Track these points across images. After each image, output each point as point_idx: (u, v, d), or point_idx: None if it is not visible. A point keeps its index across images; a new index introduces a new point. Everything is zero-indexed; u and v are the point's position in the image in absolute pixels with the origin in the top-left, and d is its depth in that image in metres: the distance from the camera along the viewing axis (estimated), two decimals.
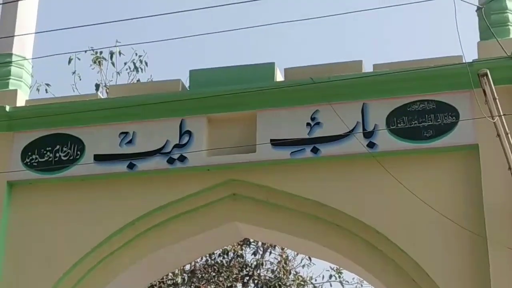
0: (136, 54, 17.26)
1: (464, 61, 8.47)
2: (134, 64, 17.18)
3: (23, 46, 10.58)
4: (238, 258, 17.59)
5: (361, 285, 17.83)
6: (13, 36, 10.37)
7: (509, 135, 7.28)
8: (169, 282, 16.40)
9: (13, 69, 10.37)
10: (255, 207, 9.39)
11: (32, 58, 10.83)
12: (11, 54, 10.40)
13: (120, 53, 16.95)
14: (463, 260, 8.37)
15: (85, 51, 16.16)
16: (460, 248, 8.41)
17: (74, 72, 16.50)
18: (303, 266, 18.11)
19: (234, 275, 17.46)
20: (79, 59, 16.36)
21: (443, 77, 8.82)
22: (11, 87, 10.24)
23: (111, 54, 16.87)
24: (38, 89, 16.15)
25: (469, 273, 8.29)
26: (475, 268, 8.26)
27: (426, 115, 8.80)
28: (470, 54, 8.72)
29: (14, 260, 9.50)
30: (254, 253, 17.77)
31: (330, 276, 17.99)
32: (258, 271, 17.69)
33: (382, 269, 8.83)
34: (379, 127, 8.89)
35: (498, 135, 7.20)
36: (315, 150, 9.03)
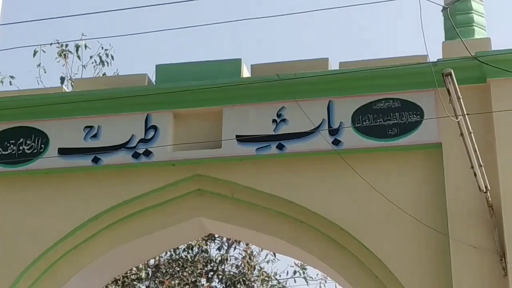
0: (102, 48, 17.20)
1: (428, 61, 8.46)
2: (100, 57, 17.11)
3: None
4: (203, 253, 17.59)
5: (325, 281, 17.84)
6: None
7: (472, 134, 7.33)
8: (133, 276, 16.37)
9: None
10: (220, 202, 9.41)
11: None
12: None
13: (86, 46, 16.88)
14: (425, 257, 8.46)
15: (51, 44, 16.11)
16: (423, 245, 8.50)
17: (39, 65, 16.40)
18: (268, 262, 18.16)
19: (199, 270, 17.47)
20: (44, 52, 16.26)
21: (408, 76, 8.90)
22: None
23: (77, 47, 16.78)
24: (2, 81, 16.04)
25: (432, 270, 8.38)
26: (437, 265, 8.35)
27: (391, 113, 8.88)
28: (435, 54, 8.80)
29: None
30: (219, 248, 17.80)
31: (294, 272, 18.06)
32: (223, 267, 17.71)
33: (345, 265, 8.89)
34: (345, 125, 8.94)
35: (462, 134, 7.25)
36: (280, 147, 9.06)
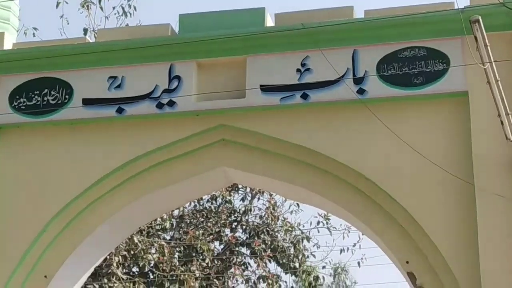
0: None
1: (456, 7, 8.43)
2: (123, 8, 17.10)
3: None
4: (227, 204, 17.71)
5: (349, 231, 17.94)
6: None
7: (499, 82, 7.30)
8: (157, 227, 16.52)
9: (1, 12, 10.27)
10: (244, 152, 9.42)
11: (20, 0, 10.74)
12: None
13: None
14: (451, 206, 8.47)
15: None
16: (448, 195, 8.49)
17: (62, 16, 16.48)
18: (291, 212, 18.27)
19: (222, 221, 17.60)
20: (67, 3, 16.30)
21: (435, 23, 8.83)
22: None
23: None
24: (25, 33, 16.09)
25: (457, 220, 8.40)
26: (463, 215, 8.36)
27: (417, 62, 8.81)
28: (462, 1, 8.71)
29: (3, 204, 9.54)
30: (243, 199, 17.90)
31: (318, 223, 18.18)
32: (246, 217, 17.83)
33: (370, 215, 8.91)
34: (369, 74, 8.90)
35: (488, 82, 7.22)
36: (304, 96, 9.03)
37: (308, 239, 18.43)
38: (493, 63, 7.17)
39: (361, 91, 8.87)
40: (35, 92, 9.73)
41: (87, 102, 9.56)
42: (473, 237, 8.15)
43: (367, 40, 9.02)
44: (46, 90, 9.72)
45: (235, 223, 17.92)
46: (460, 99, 8.63)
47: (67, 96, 9.63)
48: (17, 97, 9.77)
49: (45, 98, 9.69)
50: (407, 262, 8.61)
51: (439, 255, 8.35)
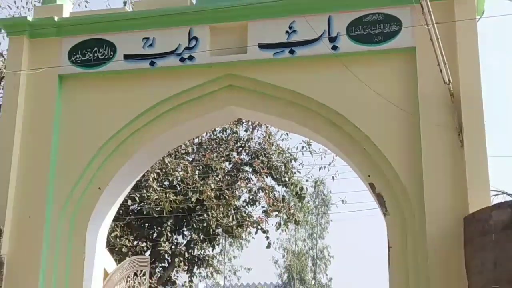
0: None
1: None
2: None
3: None
4: (234, 134, 17.80)
5: (325, 154, 18.08)
6: None
7: (439, 39, 7.28)
8: (182, 151, 16.65)
9: None
10: (246, 94, 9.45)
11: None
12: None
13: None
14: (402, 133, 8.56)
15: None
16: (400, 124, 8.58)
17: None
18: (282, 139, 18.36)
19: (231, 147, 17.72)
20: None
21: None
22: (58, 2, 10.11)
23: None
24: (79, 5, 15.85)
25: (407, 142, 8.50)
26: (411, 139, 8.46)
27: (377, 24, 8.79)
28: None
29: (66, 133, 9.60)
30: (246, 130, 17.99)
31: (302, 147, 18.27)
32: (249, 144, 17.93)
33: (341, 141, 9.02)
34: (341, 34, 8.88)
35: (431, 39, 7.20)
36: (292, 52, 9.03)
37: (295, 159, 18.57)
38: (435, 24, 7.13)
39: (334, 48, 8.85)
40: (88, 50, 9.70)
41: (127, 57, 9.54)
42: (418, 156, 8.26)
43: (339, 8, 8.97)
44: (96, 48, 9.68)
45: (240, 148, 18.03)
46: (410, 53, 8.62)
47: (111, 53, 9.61)
48: (74, 53, 9.73)
49: (95, 54, 9.66)
50: (369, 176, 8.73)
51: (392, 169, 8.46)
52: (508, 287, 6.74)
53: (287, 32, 9.07)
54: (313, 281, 54.72)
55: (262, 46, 9.11)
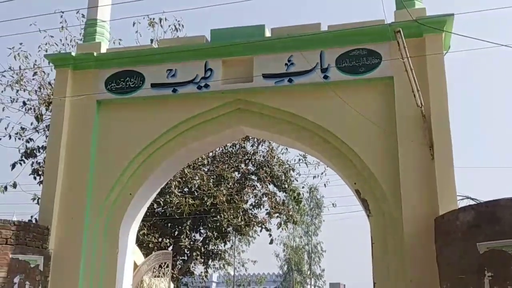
0: (176, 20, 17.04)
1: (386, 23, 8.41)
2: (175, 26, 16.94)
3: (103, 13, 10.43)
4: (242, 148, 17.77)
5: (318, 165, 18.04)
6: (97, 6, 10.25)
7: (412, 70, 7.29)
8: (199, 163, 16.63)
9: (98, 29, 10.30)
10: (253, 116, 9.44)
11: (110, 20, 10.70)
12: (96, 19, 10.30)
13: (165, 19, 16.73)
14: (383, 148, 8.54)
15: (143, 17, 16.15)
16: (381, 141, 8.57)
17: (136, 31, 16.39)
18: (282, 153, 18.30)
19: (239, 159, 17.69)
20: (139, 23, 16.15)
21: (372, 33, 8.79)
22: (97, 40, 10.16)
23: (160, 20, 16.67)
24: (114, 42, 15.89)
25: (386, 155, 8.48)
26: (389, 153, 8.44)
27: (361, 58, 8.82)
28: (390, 18, 8.72)
29: (102, 149, 9.62)
30: (252, 145, 17.95)
31: (299, 160, 18.25)
32: (254, 157, 17.90)
33: (331, 154, 8.99)
34: (331, 66, 8.89)
35: (406, 70, 7.21)
36: (290, 80, 9.04)
37: (293, 170, 18.51)
38: (409, 58, 7.14)
39: (325, 77, 8.88)
40: (121, 79, 9.74)
41: (153, 85, 9.57)
42: (396, 167, 8.27)
43: (329, 45, 8.98)
44: (127, 78, 9.71)
45: (247, 160, 17.98)
46: (388, 81, 8.62)
47: (140, 82, 9.64)
48: (110, 82, 9.77)
49: (127, 83, 9.69)
50: (355, 183, 8.71)
51: (374, 178, 8.46)
52: (472, 277, 6.69)
53: (286, 64, 9.08)
54: (308, 272, 54.43)
55: (265, 76, 9.13)
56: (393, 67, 8.42)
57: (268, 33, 9.45)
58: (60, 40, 16.16)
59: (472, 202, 7.93)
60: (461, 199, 8.29)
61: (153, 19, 16.70)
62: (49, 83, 15.31)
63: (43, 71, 15.61)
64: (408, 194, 8.03)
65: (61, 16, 15.70)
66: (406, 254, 7.80)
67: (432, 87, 8.27)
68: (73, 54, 10.10)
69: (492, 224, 6.64)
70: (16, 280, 8.41)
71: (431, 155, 8.04)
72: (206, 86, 9.34)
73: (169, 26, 17.03)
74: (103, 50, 10.08)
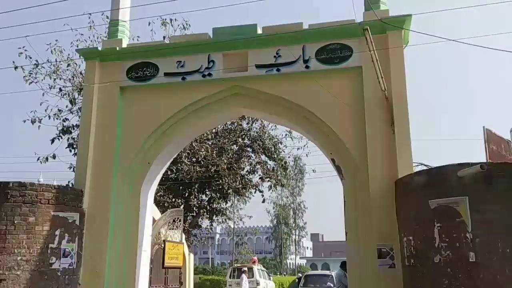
0: (184, 20, 16.80)
1: (356, 22, 8.31)
2: (183, 25, 16.73)
3: (124, 14, 10.25)
4: (239, 126, 17.71)
5: (301, 139, 18.01)
6: (118, 8, 10.06)
7: (377, 61, 7.27)
8: (204, 138, 16.59)
9: (120, 28, 10.12)
10: (248, 99, 9.37)
11: (130, 20, 10.51)
12: (118, 20, 10.13)
13: (175, 19, 16.49)
14: (353, 124, 8.49)
15: (157, 18, 15.92)
16: (352, 118, 8.52)
17: (151, 30, 16.14)
18: (272, 129, 18.24)
19: (237, 134, 17.65)
20: (154, 23, 15.91)
21: (345, 30, 8.69)
22: (119, 37, 10.01)
23: (170, 20, 16.44)
24: (133, 39, 15.66)
25: (356, 131, 8.44)
26: (359, 128, 8.41)
27: (336, 51, 8.75)
28: (360, 18, 8.59)
29: (126, 127, 9.57)
30: (247, 123, 17.88)
31: (286, 134, 18.22)
32: (249, 132, 17.86)
33: (311, 129, 8.96)
34: (311, 57, 8.82)
35: (372, 61, 7.18)
36: (278, 70, 8.98)
37: (281, 143, 18.50)
38: (375, 50, 7.10)
39: (307, 67, 8.82)
40: (139, 69, 9.63)
41: (166, 74, 9.47)
42: (364, 140, 8.27)
43: (310, 40, 8.88)
44: (145, 68, 9.60)
45: (244, 135, 17.96)
46: (358, 70, 8.56)
47: (155, 71, 9.54)
48: (130, 72, 9.66)
49: (144, 73, 9.59)
50: (331, 153, 8.73)
51: (346, 149, 8.46)
52: (424, 227, 6.78)
53: (275, 56, 9.00)
54: (293, 225, 54.92)
55: (258, 66, 9.04)
56: (362, 59, 8.36)
57: (259, 31, 9.33)
58: (89, 37, 15.98)
59: (425, 168, 7.95)
60: (416, 165, 8.27)
61: (165, 19, 16.49)
62: (80, 73, 15.17)
63: (75, 63, 15.51)
64: (374, 162, 8.06)
65: (89, 17, 15.51)
66: (372, 209, 7.87)
67: (393, 75, 8.23)
68: (100, 49, 9.99)
69: (441, 185, 6.71)
70: (57, 232, 8.46)
71: (392, 130, 8.05)
72: (209, 74, 9.26)
73: (178, 25, 16.82)
74: (124, 45, 9.93)
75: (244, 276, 19.50)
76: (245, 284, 19.11)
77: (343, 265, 13.75)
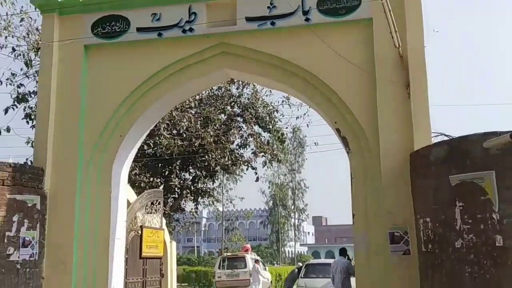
0: None
1: None
2: None
3: None
4: (227, 91, 17.66)
5: (301, 106, 18.04)
6: None
7: (391, 11, 7.20)
8: (186, 106, 16.55)
9: None
10: (237, 59, 9.28)
11: None
12: None
13: None
14: (362, 88, 8.46)
15: None
16: (360, 81, 8.49)
17: None
18: (267, 95, 18.27)
19: (225, 101, 17.63)
20: None
21: None
22: None
23: None
24: None
25: (365, 95, 8.43)
26: (369, 92, 8.38)
27: (341, 0, 8.62)
28: None
29: (92, 94, 9.49)
30: (237, 88, 17.83)
31: (283, 101, 18.23)
32: (240, 99, 17.83)
33: (312, 94, 8.92)
34: (312, 8, 8.70)
35: (385, 12, 7.11)
36: (273, 23, 8.86)
37: (277, 111, 18.53)
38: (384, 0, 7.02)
39: (307, 20, 8.70)
40: (107, 24, 9.48)
41: (139, 29, 9.34)
42: (374, 106, 8.26)
43: None
44: (113, 22, 9.46)
45: (233, 103, 17.94)
46: (367, 23, 8.49)
47: (126, 26, 9.40)
48: (96, 27, 9.52)
49: (113, 28, 9.45)
50: (335, 122, 8.71)
51: (353, 117, 8.46)
52: (444, 207, 6.85)
53: (268, 7, 8.86)
54: (292, 206, 55.47)
55: (248, 19, 8.92)
56: (372, 9, 8.27)
57: None
58: None
59: (445, 138, 7.98)
60: (436, 136, 8.31)
61: None
62: (37, 29, 14.88)
63: (30, 17, 15.16)
64: (386, 131, 8.07)
65: None
66: (383, 187, 7.92)
67: (409, 28, 8.16)
68: None
69: (463, 158, 6.74)
70: (15, 218, 8.46)
71: (408, 94, 8.04)
72: (191, 29, 9.13)
73: None
74: None
75: (257, 266, 19.72)
76: (260, 277, 19.30)
77: (343, 252, 14.00)
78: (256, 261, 20.41)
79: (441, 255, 6.88)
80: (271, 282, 26.06)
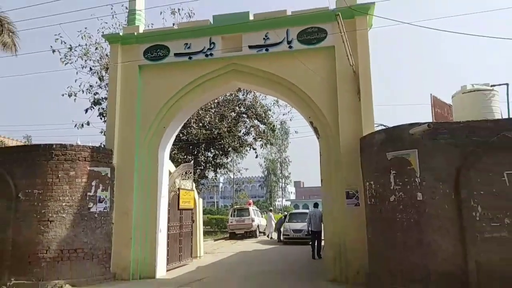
0: (189, 9, 16.33)
1: (330, 9, 8.06)
2: (189, 14, 16.22)
3: (140, 5, 9.91)
4: (236, 97, 17.51)
5: (286, 106, 17.87)
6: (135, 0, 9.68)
7: (347, 41, 7.11)
8: (208, 106, 16.44)
9: (137, 16, 9.84)
10: (243, 74, 9.19)
11: (146, 9, 10.15)
12: (135, 10, 9.82)
13: (182, 8, 15.99)
14: (328, 94, 8.39)
15: (167, 8, 15.43)
16: (327, 89, 8.42)
17: (163, 18, 15.73)
18: (263, 99, 18.09)
19: (235, 103, 17.48)
20: (164, 12, 15.67)
21: (320, 16, 8.48)
22: (136, 24, 9.73)
23: (178, 9, 15.94)
24: (148, 25, 15.22)
25: (330, 99, 8.37)
26: (332, 97, 8.32)
27: (314, 33, 8.55)
28: (333, 6, 8.30)
29: (145, 99, 9.42)
30: (243, 94, 17.68)
31: (273, 103, 18.06)
32: (245, 102, 17.69)
33: (294, 98, 8.83)
34: (294, 39, 8.61)
35: (343, 41, 7.02)
36: (267, 50, 8.78)
37: (270, 110, 18.36)
38: (345, 33, 6.93)
39: (290, 47, 8.62)
40: (154, 50, 9.39)
41: (176, 54, 9.25)
42: (335, 106, 8.22)
43: (293, 24, 8.67)
44: (158, 50, 9.37)
45: (240, 104, 17.79)
46: (331, 49, 8.40)
47: (167, 52, 9.31)
48: (146, 53, 9.43)
49: (158, 53, 9.36)
50: (309, 117, 8.67)
51: (322, 113, 8.41)
52: (383, 174, 6.85)
53: (264, 38, 8.79)
54: (280, 174, 55.57)
55: (250, 47, 8.84)
56: (334, 39, 8.21)
57: (251, 17, 9.07)
58: (112, 25, 15.56)
59: (384, 127, 7.96)
60: (377, 126, 8.29)
61: (174, 9, 16.04)
62: (106, 55, 14.82)
63: (102, 46, 15.14)
64: (343, 123, 8.05)
65: (111, 8, 15.02)
66: (341, 161, 7.94)
67: (360, 52, 8.09)
68: (121, 34, 9.69)
69: (396, 140, 6.73)
70: (93, 183, 8.48)
71: (358, 98, 8.00)
72: (211, 54, 9.06)
73: (185, 13, 16.37)
74: (141, 31, 9.64)
75: (271, 214, 19.65)
76: (272, 222, 19.35)
77: (316, 206, 14.04)
78: (270, 210, 20.22)
79: (380, 207, 6.90)
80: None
